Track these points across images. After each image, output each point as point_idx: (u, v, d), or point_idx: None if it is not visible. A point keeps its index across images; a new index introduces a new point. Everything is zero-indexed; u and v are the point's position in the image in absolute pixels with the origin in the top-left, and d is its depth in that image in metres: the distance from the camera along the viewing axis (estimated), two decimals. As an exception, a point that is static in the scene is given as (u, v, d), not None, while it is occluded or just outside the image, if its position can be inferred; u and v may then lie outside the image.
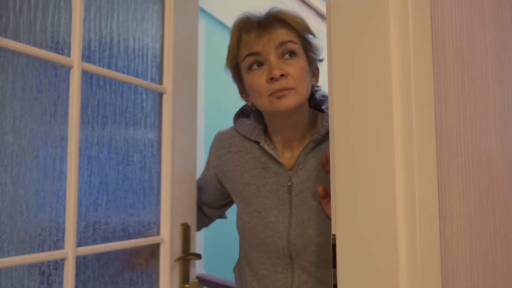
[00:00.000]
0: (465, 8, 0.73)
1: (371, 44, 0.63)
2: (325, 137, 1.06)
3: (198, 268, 2.77)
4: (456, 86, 0.69)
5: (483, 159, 0.74)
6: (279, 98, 0.98)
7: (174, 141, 1.11)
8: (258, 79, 1.00)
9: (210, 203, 1.28)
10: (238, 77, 1.11)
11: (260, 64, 1.01)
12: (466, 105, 0.71)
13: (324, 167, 1.01)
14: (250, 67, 1.02)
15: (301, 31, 1.04)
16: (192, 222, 1.17)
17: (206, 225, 1.35)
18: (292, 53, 1.00)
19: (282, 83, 0.97)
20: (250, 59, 1.02)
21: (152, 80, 1.09)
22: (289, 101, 0.98)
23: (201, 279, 2.24)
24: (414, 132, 0.59)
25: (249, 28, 1.03)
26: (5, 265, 0.72)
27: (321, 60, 1.09)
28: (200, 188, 1.27)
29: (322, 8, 3.38)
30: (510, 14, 0.84)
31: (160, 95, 1.10)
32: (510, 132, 0.81)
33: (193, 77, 1.20)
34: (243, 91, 1.13)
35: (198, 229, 1.33)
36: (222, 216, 1.35)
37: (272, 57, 0.99)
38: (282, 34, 1.01)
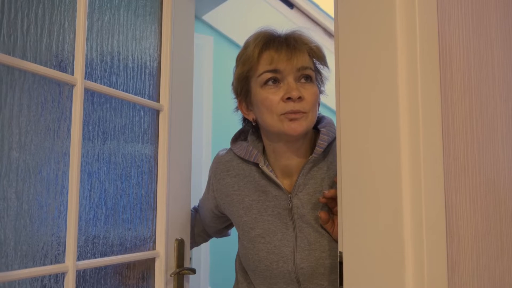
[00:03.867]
0: (473, 28, 0.73)
1: (378, 63, 0.64)
2: (322, 156, 1.06)
3: (203, 283, 2.75)
4: (463, 106, 0.70)
5: (491, 179, 0.74)
6: (291, 120, 0.98)
7: (170, 157, 1.14)
8: (272, 96, 1.00)
9: (209, 228, 1.29)
10: (244, 89, 1.08)
11: (275, 81, 1.01)
12: (474, 125, 0.71)
13: (327, 204, 1.01)
14: (266, 83, 1.02)
15: (318, 60, 1.07)
16: (187, 237, 1.19)
17: (205, 240, 1.35)
18: (307, 78, 1.02)
19: (297, 105, 0.98)
20: (269, 75, 1.01)
21: (149, 97, 1.11)
22: (300, 126, 0.99)
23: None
24: (421, 152, 0.61)
25: (279, 46, 1.02)
26: (9, 279, 0.73)
27: (321, 92, 1.09)
28: (201, 210, 1.27)
29: (329, 25, 3.40)
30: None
31: (157, 112, 1.13)
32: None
33: (189, 94, 1.24)
34: (245, 104, 1.10)
35: (198, 244, 1.34)
36: (225, 234, 1.35)
37: (290, 78, 1.00)
38: (306, 59, 1.03)
